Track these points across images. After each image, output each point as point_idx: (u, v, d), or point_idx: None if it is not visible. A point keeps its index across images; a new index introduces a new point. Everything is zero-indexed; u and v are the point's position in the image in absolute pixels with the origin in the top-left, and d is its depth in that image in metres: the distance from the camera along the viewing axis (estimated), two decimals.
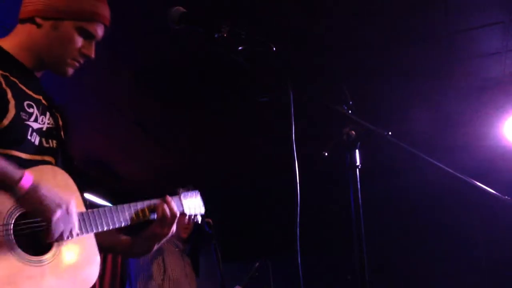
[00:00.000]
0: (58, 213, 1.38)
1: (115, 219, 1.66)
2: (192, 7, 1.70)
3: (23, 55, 1.59)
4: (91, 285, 1.54)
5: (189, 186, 2.10)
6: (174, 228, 1.83)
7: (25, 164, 1.47)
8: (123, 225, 1.69)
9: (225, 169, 5.92)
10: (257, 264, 4.27)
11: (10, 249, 1.34)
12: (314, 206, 5.28)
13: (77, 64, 1.65)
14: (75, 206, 1.47)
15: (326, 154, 1.58)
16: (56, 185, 1.50)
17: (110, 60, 3.61)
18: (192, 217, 2.03)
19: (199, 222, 2.06)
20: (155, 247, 1.86)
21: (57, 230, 1.40)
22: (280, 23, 3.33)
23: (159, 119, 4.74)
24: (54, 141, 1.64)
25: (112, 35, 1.74)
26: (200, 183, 2.20)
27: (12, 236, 1.35)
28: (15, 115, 1.48)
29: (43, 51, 1.60)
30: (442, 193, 5.49)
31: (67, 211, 1.42)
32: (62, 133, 1.72)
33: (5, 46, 1.59)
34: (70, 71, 1.66)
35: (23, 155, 1.49)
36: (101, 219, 1.61)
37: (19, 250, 1.36)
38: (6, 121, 1.45)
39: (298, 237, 1.51)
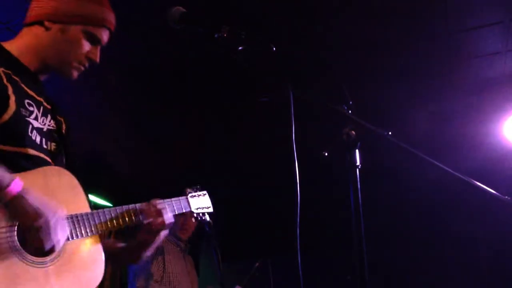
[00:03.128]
0: (39, 223, 1.35)
1: (111, 221, 1.64)
2: (192, 7, 1.70)
3: (28, 58, 1.60)
4: (96, 285, 1.53)
5: (197, 186, 2.10)
6: (162, 235, 1.77)
7: (30, 160, 1.47)
8: (121, 224, 1.67)
9: (225, 169, 5.92)
10: (257, 264, 4.27)
11: (14, 250, 1.34)
12: (314, 206, 5.28)
13: (82, 68, 1.67)
14: (63, 218, 1.43)
15: (326, 154, 1.58)
16: (60, 186, 1.50)
17: (110, 60, 3.61)
18: (201, 215, 2.02)
19: (208, 220, 2.07)
20: (144, 255, 1.82)
21: (36, 240, 1.36)
22: (280, 23, 3.34)
23: (159, 119, 4.74)
24: (53, 144, 1.64)
25: (113, 34, 1.74)
26: (200, 183, 2.20)
27: (16, 237, 1.35)
28: (15, 110, 1.48)
29: (50, 53, 1.61)
30: (442, 193, 5.48)
31: (48, 223, 1.37)
32: (64, 137, 1.71)
33: (10, 48, 1.60)
34: (75, 74, 1.67)
35: (31, 151, 1.49)
36: (105, 218, 1.60)
37: (23, 251, 1.35)
38: (6, 116, 1.45)
39: (298, 237, 1.51)
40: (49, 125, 1.64)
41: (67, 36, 1.60)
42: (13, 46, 1.61)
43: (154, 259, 3.64)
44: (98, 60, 1.68)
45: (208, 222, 3.56)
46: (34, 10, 1.62)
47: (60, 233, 1.42)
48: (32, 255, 1.38)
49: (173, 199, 1.87)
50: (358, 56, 3.72)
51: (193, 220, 2.00)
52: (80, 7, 1.61)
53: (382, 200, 5.63)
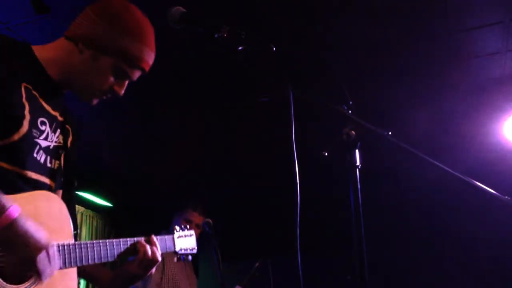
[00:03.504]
0: (37, 253, 1.32)
1: (100, 254, 1.61)
2: (192, 7, 1.71)
3: (54, 69, 1.56)
4: None
5: (186, 226, 2.09)
6: (153, 270, 1.77)
7: (28, 183, 1.45)
8: (108, 260, 1.64)
9: (225, 169, 5.92)
10: (257, 264, 4.27)
11: None
12: (314, 206, 5.29)
13: (104, 98, 1.64)
14: (53, 250, 1.41)
15: (326, 154, 1.58)
16: (49, 213, 1.48)
17: None
18: (183, 256, 2.05)
19: (189, 260, 2.10)
20: (129, 285, 1.80)
21: (18, 272, 1.34)
22: (280, 23, 3.34)
23: (159, 119, 4.74)
24: (57, 162, 1.61)
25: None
26: (200, 183, 2.21)
27: None
28: (27, 131, 1.45)
29: (76, 75, 1.57)
30: (442, 193, 5.49)
31: (48, 252, 1.36)
32: (67, 150, 1.68)
33: (40, 54, 1.56)
34: (95, 101, 1.64)
35: (30, 174, 1.47)
36: (87, 253, 1.56)
37: (0, 280, 1.31)
38: (16, 136, 1.42)
39: (298, 237, 1.51)
40: (56, 141, 1.61)
41: (96, 65, 1.54)
42: (44, 54, 1.56)
43: None
44: (122, 94, 1.64)
45: (208, 222, 3.57)
46: (76, 26, 1.57)
47: (57, 262, 1.42)
48: (7, 282, 1.34)
49: (158, 237, 1.86)
50: (358, 56, 3.72)
51: (175, 259, 2.04)
52: (119, 40, 1.54)
53: (382, 200, 5.64)
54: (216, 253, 3.46)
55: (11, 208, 1.27)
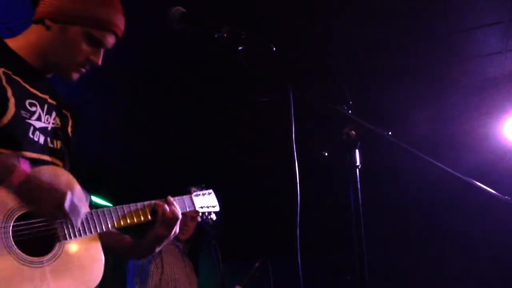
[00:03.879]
0: (62, 199, 1.35)
1: (116, 219, 1.64)
2: (192, 7, 1.70)
3: (30, 55, 1.58)
4: (95, 285, 1.50)
5: (202, 185, 2.10)
6: (176, 229, 1.80)
7: (35, 164, 1.45)
8: (122, 224, 1.66)
9: (225, 169, 5.92)
10: (257, 264, 4.27)
11: (9, 250, 1.32)
12: (314, 206, 5.28)
13: (82, 70, 1.63)
14: (78, 190, 1.44)
15: (326, 154, 1.58)
16: (59, 184, 1.46)
17: (110, 60, 3.61)
18: (206, 214, 2.02)
19: (214, 219, 2.06)
20: (157, 249, 1.83)
21: (58, 216, 1.37)
22: (281, 24, 3.34)
23: (159, 119, 4.74)
24: (59, 142, 1.62)
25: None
26: (200, 183, 2.20)
27: (11, 237, 1.33)
28: (14, 113, 1.46)
29: (49, 53, 1.58)
30: (442, 193, 5.49)
31: (72, 196, 1.39)
32: (69, 133, 1.70)
33: (14, 45, 1.58)
34: (74, 76, 1.63)
35: (28, 154, 1.47)
36: (105, 218, 1.60)
37: (19, 252, 1.34)
38: (5, 120, 1.43)
39: (298, 237, 1.51)
40: (53, 123, 1.62)
41: (66, 37, 1.56)
42: (17, 44, 1.58)
43: (152, 261, 3.63)
44: (100, 62, 1.63)
45: (208, 222, 3.57)
46: (40, 7, 1.59)
47: (84, 207, 1.45)
48: (28, 254, 1.36)
49: (176, 198, 1.87)
50: (358, 56, 3.72)
51: (198, 219, 2.01)
52: (84, 8, 1.56)
53: (382, 200, 5.63)
54: (216, 253, 3.46)
55: (22, 164, 1.30)
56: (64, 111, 1.70)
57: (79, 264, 1.48)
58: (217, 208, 2.08)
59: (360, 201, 1.54)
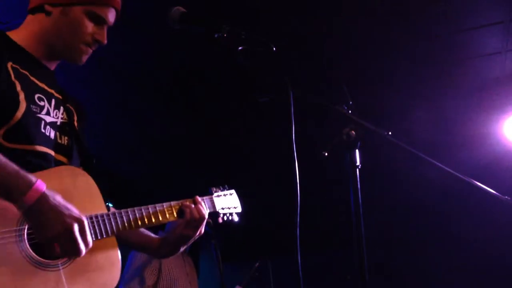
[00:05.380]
0: (70, 226, 1.30)
1: (137, 220, 1.59)
2: (192, 7, 1.70)
3: (34, 46, 1.56)
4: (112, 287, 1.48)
5: (224, 186, 2.09)
6: (202, 229, 1.78)
7: (38, 157, 1.45)
8: (146, 225, 1.63)
9: (225, 169, 5.92)
10: (257, 264, 4.27)
11: (24, 254, 1.30)
12: (314, 206, 5.28)
13: (90, 50, 1.62)
14: (86, 222, 1.37)
15: (326, 154, 1.58)
16: (76, 187, 1.46)
17: (110, 60, 3.61)
18: (227, 215, 2.00)
19: (235, 220, 2.04)
20: (182, 248, 1.82)
21: (65, 244, 1.32)
22: (281, 24, 3.33)
23: (159, 119, 4.74)
24: (66, 138, 1.61)
25: (113, 34, 1.73)
26: (200, 183, 2.21)
27: (26, 240, 1.32)
28: (26, 107, 1.45)
29: (54, 39, 1.56)
30: (442, 193, 5.48)
31: (81, 224, 1.33)
32: (76, 128, 1.68)
33: (16, 38, 1.55)
34: (84, 57, 1.62)
35: (40, 148, 1.46)
36: (123, 221, 1.55)
37: (33, 255, 1.32)
38: (19, 114, 1.42)
39: (298, 237, 1.51)
40: (61, 118, 1.61)
41: (69, 18, 1.54)
42: (19, 36, 1.56)
43: (147, 264, 3.59)
44: (105, 41, 1.62)
45: (208, 221, 3.56)
46: None
47: (91, 234, 1.40)
48: (43, 258, 1.34)
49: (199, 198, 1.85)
50: (358, 56, 3.72)
51: (220, 220, 1.98)
52: None
53: (382, 200, 5.63)
54: (216, 253, 3.46)
55: (38, 182, 1.27)
56: (69, 106, 1.69)
57: (96, 266, 1.45)
58: (239, 209, 2.06)
59: (360, 201, 1.54)
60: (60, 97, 1.64)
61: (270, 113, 4.47)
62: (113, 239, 1.54)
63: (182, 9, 1.63)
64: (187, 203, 1.76)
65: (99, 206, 1.52)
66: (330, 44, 3.59)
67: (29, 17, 1.59)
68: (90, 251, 1.41)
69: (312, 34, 3.47)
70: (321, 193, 5.60)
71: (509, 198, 1.65)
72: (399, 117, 4.49)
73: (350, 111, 1.61)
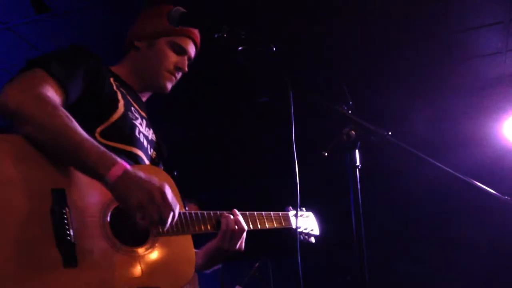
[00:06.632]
0: (141, 198, 1.30)
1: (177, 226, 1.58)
2: (192, 7, 1.70)
3: (130, 78, 1.73)
4: (184, 283, 1.51)
5: (302, 208, 2.11)
6: (242, 244, 1.79)
7: (137, 160, 1.53)
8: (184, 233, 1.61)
9: (225, 169, 5.92)
10: (257, 264, 4.27)
11: (106, 237, 1.36)
12: (314, 206, 5.28)
13: (173, 78, 1.78)
14: (169, 190, 1.37)
15: (326, 154, 1.58)
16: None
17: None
18: (304, 234, 2.05)
19: (313, 242, 2.06)
20: (218, 264, 1.83)
21: (145, 218, 1.32)
22: (281, 24, 3.34)
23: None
24: (155, 153, 1.71)
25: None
26: (200, 183, 2.22)
27: (108, 226, 1.36)
28: (124, 112, 1.56)
29: (144, 71, 1.75)
30: (442, 193, 5.48)
31: (159, 198, 1.32)
32: (162, 151, 1.78)
33: (117, 71, 1.72)
34: (169, 85, 1.78)
35: (137, 151, 1.56)
36: (195, 222, 1.59)
37: (115, 240, 1.37)
38: (116, 116, 1.53)
39: (298, 237, 1.51)
40: (152, 136, 1.73)
41: (154, 50, 1.73)
42: (118, 70, 1.72)
43: None
44: (186, 69, 1.79)
45: None
46: (128, 37, 1.77)
47: (173, 228, 1.44)
48: (124, 244, 1.39)
49: (272, 213, 1.95)
50: (358, 56, 3.73)
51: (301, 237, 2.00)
52: (161, 21, 1.70)
53: (382, 200, 5.63)
54: None
55: (122, 161, 1.33)
56: (158, 135, 1.82)
57: (173, 259, 1.49)
58: (317, 232, 2.15)
59: (360, 201, 1.54)
60: (150, 123, 1.78)
61: (270, 113, 4.47)
62: (189, 239, 1.57)
63: (182, 9, 1.63)
64: (225, 214, 1.76)
65: (180, 206, 1.53)
66: (330, 44, 3.59)
67: (125, 57, 1.79)
68: (168, 246, 1.47)
69: (312, 34, 3.48)
70: (321, 193, 5.61)
71: (509, 198, 1.65)
72: (399, 117, 4.49)
73: (350, 111, 1.60)
